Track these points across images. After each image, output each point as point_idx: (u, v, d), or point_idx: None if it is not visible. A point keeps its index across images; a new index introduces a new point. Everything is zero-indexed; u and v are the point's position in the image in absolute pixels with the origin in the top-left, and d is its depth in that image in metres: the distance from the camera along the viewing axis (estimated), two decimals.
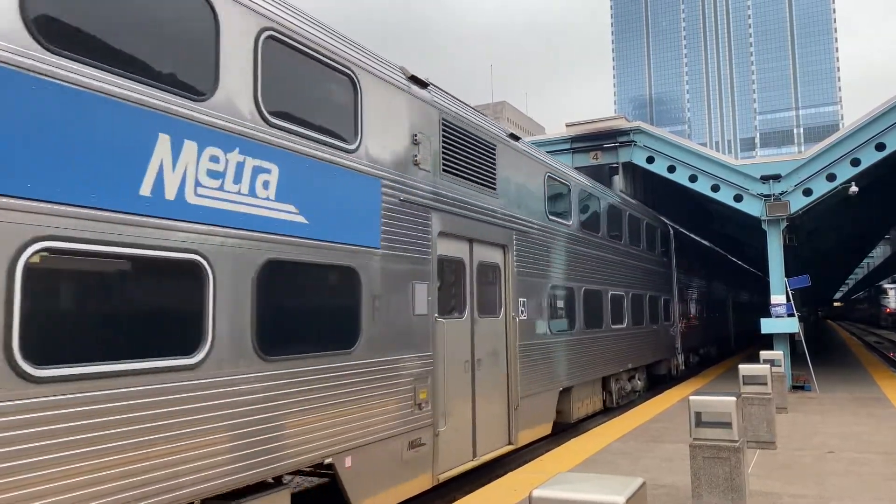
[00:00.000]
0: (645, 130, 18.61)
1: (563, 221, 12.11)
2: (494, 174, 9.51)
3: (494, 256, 9.50)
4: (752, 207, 16.89)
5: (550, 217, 11.44)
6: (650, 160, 18.39)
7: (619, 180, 18.80)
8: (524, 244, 10.36)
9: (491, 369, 9.20)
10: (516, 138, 10.55)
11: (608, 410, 14.78)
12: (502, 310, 9.71)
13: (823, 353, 29.28)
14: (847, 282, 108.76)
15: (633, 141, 18.59)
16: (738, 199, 17.05)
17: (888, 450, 9.44)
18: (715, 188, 17.37)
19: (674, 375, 19.93)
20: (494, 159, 9.55)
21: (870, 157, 15.73)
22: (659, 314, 18.49)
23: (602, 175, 18.58)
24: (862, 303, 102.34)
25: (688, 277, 22.52)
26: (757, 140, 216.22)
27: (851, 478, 7.97)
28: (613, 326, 14.48)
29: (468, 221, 8.73)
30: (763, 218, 16.72)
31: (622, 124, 19.04)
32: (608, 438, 10.70)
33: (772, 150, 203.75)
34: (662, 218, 19.95)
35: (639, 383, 16.62)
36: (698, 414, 6.29)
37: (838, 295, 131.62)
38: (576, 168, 17.87)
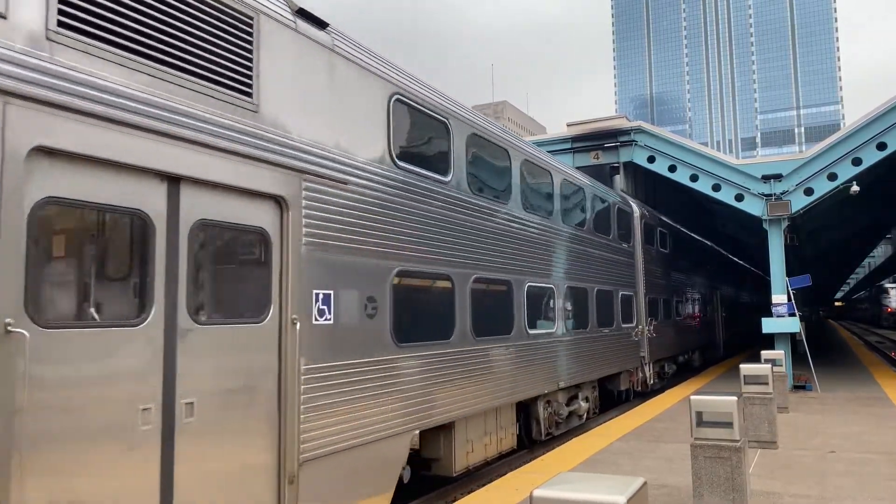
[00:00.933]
0: (646, 130, 18.61)
1: (431, 174, 8.15)
2: (250, 70, 5.65)
3: (250, 215, 5.60)
4: (753, 207, 16.88)
5: (400, 163, 7.50)
6: (651, 160, 18.39)
7: (620, 180, 18.79)
8: (331, 200, 6.39)
9: (228, 418, 5.25)
10: (316, 22, 6.59)
11: (533, 444, 11.35)
12: (271, 309, 5.70)
13: (824, 352, 29.26)
14: (848, 281, 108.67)
15: (634, 140, 18.59)
16: (739, 198, 17.05)
17: (890, 450, 9.43)
18: (716, 188, 17.36)
19: (641, 391, 16.51)
20: (251, 44, 5.70)
21: (871, 157, 15.72)
22: (615, 314, 14.55)
23: (603, 175, 18.58)
24: (863, 302, 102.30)
25: (661, 269, 18.54)
26: (758, 140, 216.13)
27: (853, 478, 7.96)
28: (533, 332, 10.59)
29: (163, 144, 4.86)
30: (764, 217, 16.71)
31: (623, 124, 19.04)
32: (609, 438, 10.70)
33: (773, 149, 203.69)
34: (623, 194, 16.52)
35: (583, 405, 12.67)
36: (699, 414, 6.29)
37: (839, 294, 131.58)
38: (577, 168, 17.81)
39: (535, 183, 11.34)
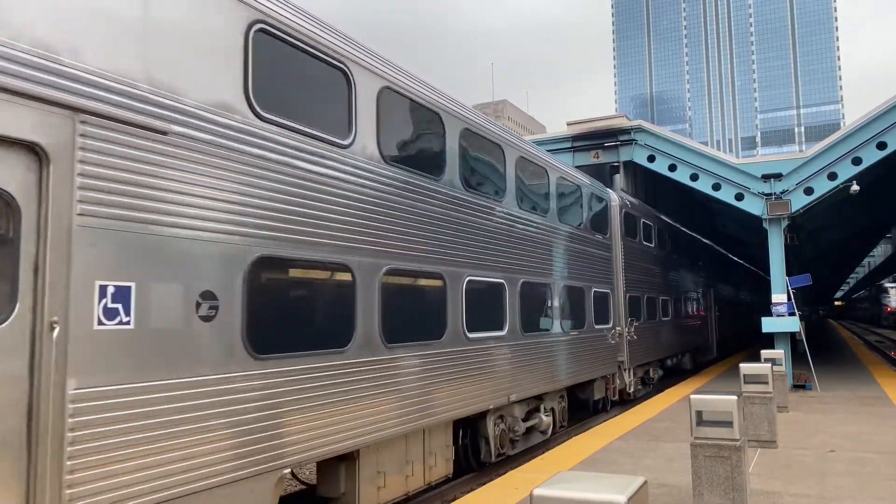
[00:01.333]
0: (646, 129, 18.60)
1: (320, 135, 6.37)
2: None
3: None
4: (753, 206, 16.88)
5: (266, 115, 5.78)
6: (651, 159, 18.38)
7: (619, 179, 18.79)
8: (134, 154, 4.62)
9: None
10: None
11: (483, 467, 9.82)
12: (16, 308, 3.93)
13: (824, 352, 29.26)
14: (848, 281, 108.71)
15: (634, 140, 18.58)
16: (739, 197, 17.04)
17: (890, 449, 9.43)
18: (716, 187, 17.36)
19: (619, 401, 15.28)
20: None
21: (871, 156, 15.71)
22: (586, 314, 13.09)
23: (603, 174, 18.58)
24: (863, 302, 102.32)
25: (645, 265, 17.28)
26: (758, 139, 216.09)
27: (853, 477, 7.96)
28: (474, 335, 8.90)
29: None
30: (764, 217, 16.71)
31: (623, 123, 19.03)
32: (609, 437, 10.69)
33: (773, 148, 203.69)
34: (588, 180, 14.19)
35: (545, 418, 11.25)
36: (699, 413, 6.28)
37: (839, 294, 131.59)
38: (577, 167, 17.79)
39: (480, 155, 9.44)
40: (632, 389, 15.47)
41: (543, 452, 10.16)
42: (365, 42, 7.30)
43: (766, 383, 9.95)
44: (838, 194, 16.49)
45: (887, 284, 72.50)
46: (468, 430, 9.53)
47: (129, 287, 4.53)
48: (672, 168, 18.02)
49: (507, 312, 9.91)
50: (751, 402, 9.78)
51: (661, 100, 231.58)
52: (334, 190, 6.51)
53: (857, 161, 15.84)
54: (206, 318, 5.05)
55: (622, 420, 12.37)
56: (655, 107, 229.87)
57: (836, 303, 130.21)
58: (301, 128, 6.16)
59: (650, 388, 17.83)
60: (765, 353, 13.09)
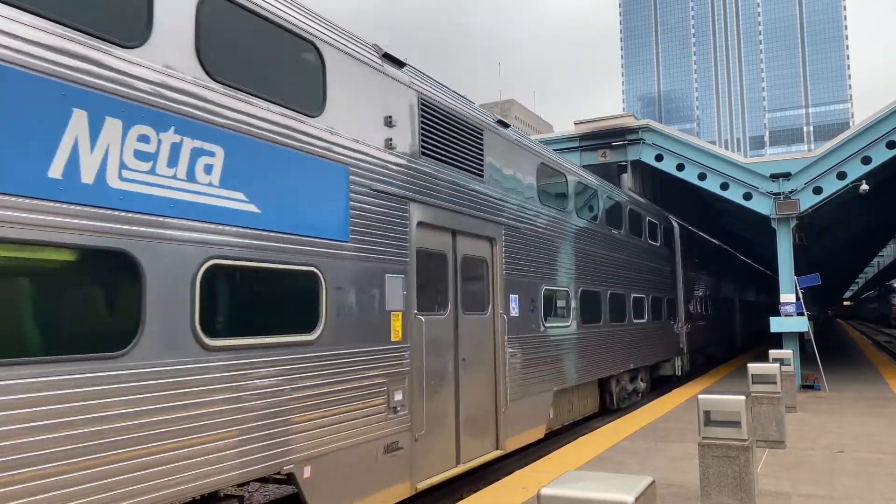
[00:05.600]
0: (654, 128, 18.54)
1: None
2: None
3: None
4: (761, 206, 16.81)
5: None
6: (659, 158, 18.33)
7: (627, 178, 18.75)
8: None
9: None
10: None
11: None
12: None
13: (833, 352, 29.11)
14: (857, 281, 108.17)
15: (642, 139, 18.53)
16: (747, 197, 16.98)
17: None
18: (724, 186, 17.29)
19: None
20: None
21: (881, 155, 15.62)
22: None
23: (611, 173, 18.54)
24: (872, 302, 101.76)
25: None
26: (766, 138, 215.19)
27: (861, 478, 7.92)
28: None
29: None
30: (773, 216, 16.63)
31: (631, 122, 18.98)
32: (616, 437, 10.68)
33: (781, 148, 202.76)
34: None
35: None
36: (707, 413, 6.27)
37: (848, 294, 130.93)
38: (584, 166, 17.81)
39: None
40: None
41: (550, 452, 10.16)
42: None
43: (775, 383, 9.91)
44: (847, 194, 16.40)
45: None
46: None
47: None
48: (680, 167, 17.97)
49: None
50: (759, 402, 9.75)
51: (669, 99, 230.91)
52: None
53: (866, 160, 15.76)
54: None
55: (629, 420, 12.35)
56: (663, 106, 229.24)
57: (845, 303, 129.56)
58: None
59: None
60: (773, 352, 13.04)
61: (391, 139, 6.95)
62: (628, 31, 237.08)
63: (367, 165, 6.65)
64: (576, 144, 19.29)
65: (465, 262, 8.40)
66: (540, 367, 10.13)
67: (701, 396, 6.34)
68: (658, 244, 17.58)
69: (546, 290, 10.62)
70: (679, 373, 19.00)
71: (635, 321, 15.19)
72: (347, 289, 6.27)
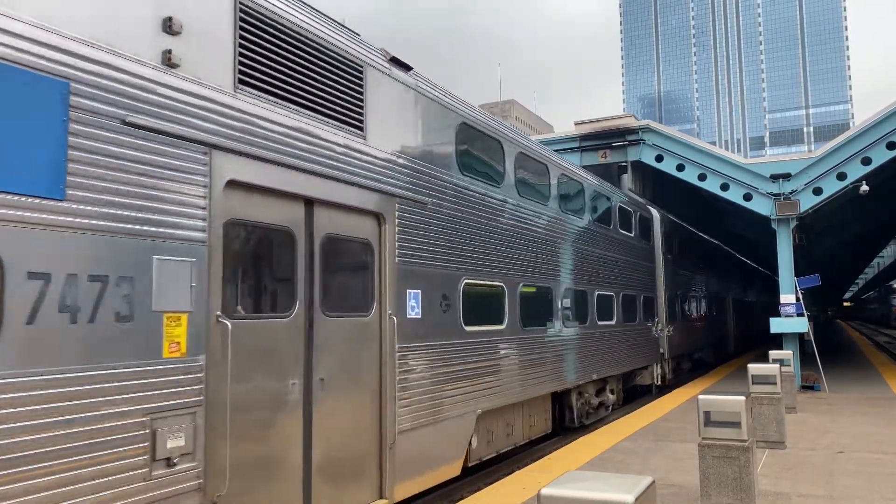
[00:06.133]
0: (654, 129, 18.55)
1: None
2: None
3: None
4: (761, 206, 16.82)
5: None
6: (659, 159, 18.34)
7: (627, 179, 18.76)
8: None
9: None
10: None
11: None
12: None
13: (833, 352, 29.11)
14: (857, 281, 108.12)
15: (642, 139, 18.54)
16: (747, 197, 16.98)
17: None
18: (724, 187, 17.30)
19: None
20: None
21: (881, 156, 15.63)
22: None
23: (611, 174, 18.55)
24: (872, 303, 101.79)
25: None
26: (766, 139, 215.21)
27: (862, 478, 7.92)
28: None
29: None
30: (773, 217, 16.64)
31: (631, 123, 18.99)
32: (616, 437, 10.68)
33: (782, 148, 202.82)
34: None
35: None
36: (707, 413, 6.27)
37: (848, 294, 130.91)
38: (584, 167, 17.81)
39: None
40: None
41: (550, 452, 10.16)
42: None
43: (775, 384, 9.91)
44: (847, 194, 16.40)
45: None
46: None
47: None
48: (680, 168, 17.98)
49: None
50: (759, 402, 9.75)
51: (670, 99, 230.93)
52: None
53: (866, 161, 15.76)
54: None
55: (629, 420, 12.35)
56: (663, 106, 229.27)
57: (845, 303, 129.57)
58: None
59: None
60: (773, 353, 13.05)
61: (171, 52, 4.80)
62: (629, 32, 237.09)
63: (114, 86, 4.35)
64: (576, 145, 19.30)
65: (331, 245, 6.25)
66: (457, 383, 7.95)
67: (701, 397, 6.35)
68: (632, 234, 15.59)
69: (467, 284, 8.42)
70: (659, 381, 16.94)
71: (601, 323, 13.13)
72: (59, 278, 3.95)
